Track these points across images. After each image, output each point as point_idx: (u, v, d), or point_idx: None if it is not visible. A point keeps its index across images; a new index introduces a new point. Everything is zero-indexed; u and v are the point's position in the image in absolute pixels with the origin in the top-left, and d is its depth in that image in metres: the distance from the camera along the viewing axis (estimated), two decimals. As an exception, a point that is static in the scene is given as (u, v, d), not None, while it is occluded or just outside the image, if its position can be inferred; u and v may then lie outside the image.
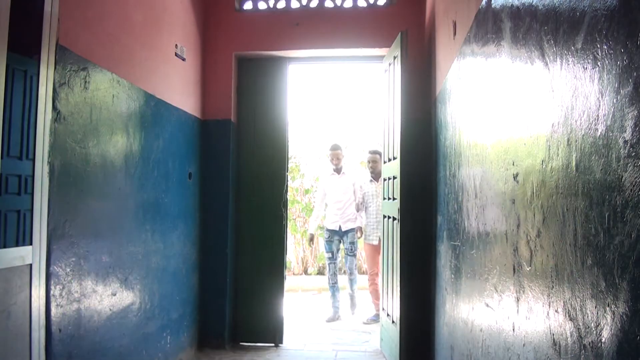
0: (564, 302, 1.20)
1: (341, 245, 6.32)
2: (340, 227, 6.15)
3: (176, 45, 4.10)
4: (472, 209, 2.38)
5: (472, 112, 2.45)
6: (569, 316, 1.17)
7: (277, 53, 4.84)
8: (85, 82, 2.76)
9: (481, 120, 2.23)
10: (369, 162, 6.07)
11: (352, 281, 6.24)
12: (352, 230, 6.14)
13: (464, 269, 2.60)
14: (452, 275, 2.97)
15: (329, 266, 6.17)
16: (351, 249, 6.13)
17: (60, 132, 2.52)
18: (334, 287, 6.13)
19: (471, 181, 2.42)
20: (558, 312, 1.24)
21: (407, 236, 3.95)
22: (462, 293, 2.64)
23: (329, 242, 6.24)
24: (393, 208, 4.16)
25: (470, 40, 2.44)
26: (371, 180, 6.04)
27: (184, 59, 4.25)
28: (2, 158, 2.11)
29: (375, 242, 5.88)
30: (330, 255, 6.20)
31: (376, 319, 5.77)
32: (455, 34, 2.98)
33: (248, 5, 4.85)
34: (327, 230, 6.27)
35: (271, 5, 4.82)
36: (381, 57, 4.75)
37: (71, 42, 2.61)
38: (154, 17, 3.72)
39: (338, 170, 6.26)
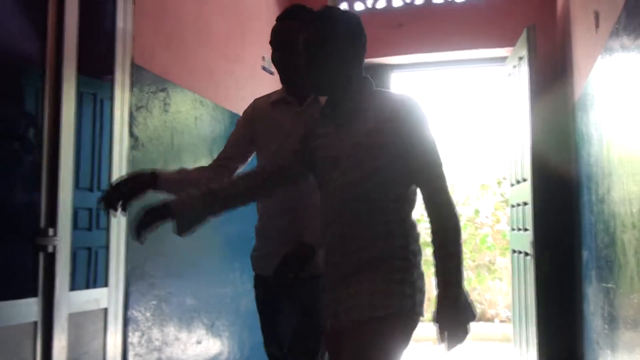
0: None
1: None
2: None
3: (263, 57, 4.19)
4: (630, 242, 2.24)
5: (624, 120, 2.33)
6: None
7: (378, 60, 4.82)
8: (165, 103, 2.87)
9: (638, 130, 2.09)
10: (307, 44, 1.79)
11: None
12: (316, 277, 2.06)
13: (621, 317, 2.46)
14: (606, 326, 2.82)
15: None
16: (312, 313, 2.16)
17: (139, 160, 2.63)
18: None
19: (627, 207, 2.29)
20: None
21: (543, 276, 3.78)
22: (621, 348, 2.49)
23: (266, 310, 2.30)
24: (524, 241, 3.99)
25: (619, 33, 2.33)
26: (340, 125, 1.83)
27: (271, 73, 4.33)
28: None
29: (361, 317, 1.69)
30: (275, 343, 2.26)
31: None
32: (597, 26, 2.87)
33: (343, 7, 4.89)
34: (258, 276, 2.29)
35: (369, 5, 4.83)
36: (503, 59, 4.60)
37: (147, 60, 2.73)
38: (238, 27, 3.84)
39: (295, 92, 2.20)
